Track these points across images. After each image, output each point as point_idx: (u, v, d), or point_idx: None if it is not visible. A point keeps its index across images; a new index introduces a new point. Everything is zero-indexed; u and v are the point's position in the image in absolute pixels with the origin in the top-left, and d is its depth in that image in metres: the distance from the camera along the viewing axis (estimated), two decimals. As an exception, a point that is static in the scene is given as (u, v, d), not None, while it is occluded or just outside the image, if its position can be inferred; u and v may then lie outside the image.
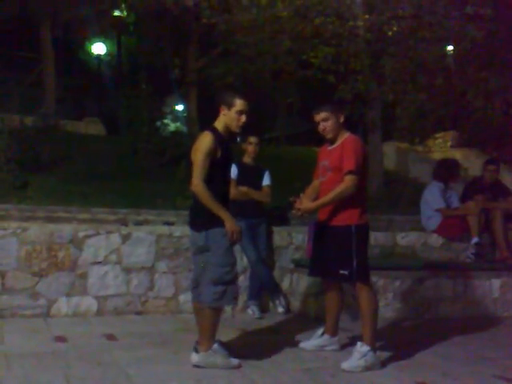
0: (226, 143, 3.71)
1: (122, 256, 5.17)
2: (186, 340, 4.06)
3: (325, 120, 3.92)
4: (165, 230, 5.39)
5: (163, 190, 7.26)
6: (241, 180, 5.31)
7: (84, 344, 4.08)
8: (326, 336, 4.17)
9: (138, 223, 5.88)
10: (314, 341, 4.19)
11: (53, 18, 14.90)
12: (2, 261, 4.83)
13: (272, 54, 10.45)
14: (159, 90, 13.89)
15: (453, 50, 10.02)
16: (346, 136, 3.95)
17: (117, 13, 16.94)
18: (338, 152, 3.90)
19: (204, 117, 17.47)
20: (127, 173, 8.26)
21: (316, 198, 4.01)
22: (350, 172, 3.79)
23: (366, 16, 8.79)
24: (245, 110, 3.71)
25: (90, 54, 19.50)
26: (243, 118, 3.71)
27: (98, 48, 18.30)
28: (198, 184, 3.56)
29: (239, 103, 3.70)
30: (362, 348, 3.76)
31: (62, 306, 4.97)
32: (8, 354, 3.74)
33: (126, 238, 5.20)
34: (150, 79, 10.69)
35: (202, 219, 3.64)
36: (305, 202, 3.90)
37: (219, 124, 3.76)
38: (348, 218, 3.85)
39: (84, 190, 7.15)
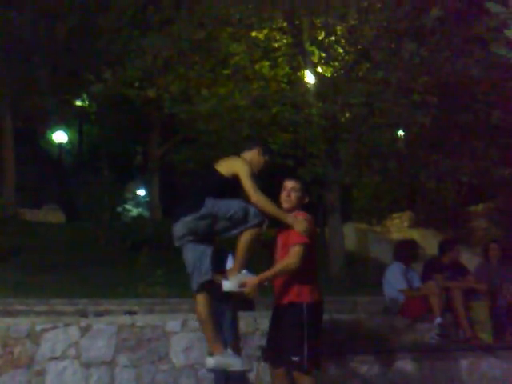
0: None
1: (81, 350, 4.96)
2: None
3: (294, 190, 3.98)
4: (126, 320, 5.24)
5: (125, 278, 7.15)
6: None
7: None
8: None
9: (99, 314, 5.72)
10: None
11: (14, 109, 15.04)
12: (-47, 360, 4.57)
13: (232, 140, 10.76)
14: (121, 176, 13.98)
15: (403, 135, 10.54)
16: (299, 213, 3.98)
17: (79, 102, 17.27)
18: (289, 228, 3.92)
19: (166, 201, 17.57)
20: (88, 261, 8.13)
21: None
22: (296, 244, 3.79)
23: (320, 104, 9.25)
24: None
25: (51, 142, 19.61)
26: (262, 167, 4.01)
27: (60, 136, 18.44)
28: (258, 197, 3.71)
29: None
30: None
31: (17, 406, 4.68)
32: None
33: (85, 331, 5.01)
34: (111, 166, 10.79)
35: None
36: (249, 279, 3.84)
37: (247, 156, 3.98)
38: (299, 295, 3.83)
39: (42, 281, 6.98)
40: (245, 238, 3.81)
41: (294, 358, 3.75)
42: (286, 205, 3.95)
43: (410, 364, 5.58)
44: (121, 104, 14.70)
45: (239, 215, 3.76)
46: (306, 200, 4.06)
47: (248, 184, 3.73)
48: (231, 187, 3.82)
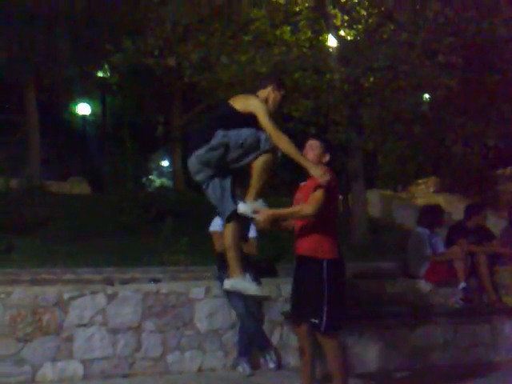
0: None
1: (108, 316, 5.08)
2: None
3: (312, 148, 4.00)
4: (152, 287, 5.33)
5: (149, 247, 7.24)
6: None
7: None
8: None
9: (124, 282, 5.81)
10: None
11: (37, 81, 15.14)
12: (-15, 327, 4.73)
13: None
14: (144, 147, 14.04)
15: (428, 98, 10.30)
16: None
17: (100, 74, 17.28)
18: (309, 185, 3.94)
19: (189, 171, 17.63)
20: (113, 231, 8.24)
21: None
22: (315, 189, 3.80)
23: (342, 69, 9.07)
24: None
25: (74, 114, 19.75)
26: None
27: (83, 108, 18.55)
28: (279, 136, 3.67)
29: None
30: None
31: (48, 371, 4.83)
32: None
33: (111, 298, 5.12)
34: (134, 137, 10.83)
35: None
36: (263, 212, 3.83)
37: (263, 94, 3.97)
38: (318, 250, 3.87)
39: (69, 251, 7.10)
40: (258, 164, 3.78)
41: (314, 320, 3.80)
42: None
43: (433, 328, 5.58)
44: (142, 74, 14.67)
45: (251, 141, 3.73)
46: (327, 158, 4.02)
47: (267, 123, 3.69)
48: (245, 122, 3.76)
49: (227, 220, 3.88)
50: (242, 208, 3.84)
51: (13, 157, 14.02)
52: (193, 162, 3.88)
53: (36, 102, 15.21)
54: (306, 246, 3.95)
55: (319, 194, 3.80)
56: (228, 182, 3.87)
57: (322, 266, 3.84)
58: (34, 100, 15.14)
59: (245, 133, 3.74)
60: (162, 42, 10.73)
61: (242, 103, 3.83)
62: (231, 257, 3.82)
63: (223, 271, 5.00)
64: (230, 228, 3.86)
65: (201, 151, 3.77)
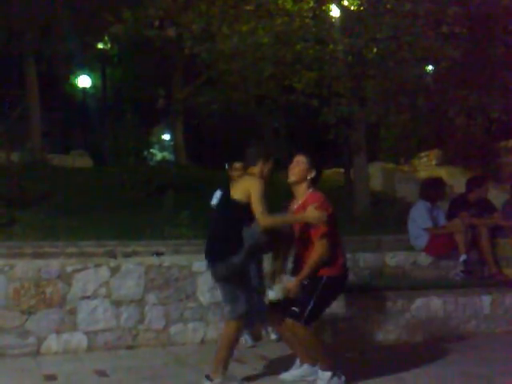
0: None
1: (111, 289, 5.13)
2: (178, 374, 4.02)
3: (298, 163, 4.04)
4: (154, 260, 5.36)
5: (151, 220, 7.26)
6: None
7: (75, 382, 4.03)
8: (306, 365, 4.10)
9: (127, 255, 5.85)
10: (293, 371, 4.13)
11: (36, 54, 14.99)
12: (-10, 299, 4.77)
13: (255, 80, 10.58)
14: (145, 120, 13.96)
15: (432, 70, 10.19)
16: (308, 192, 4.02)
17: (100, 45, 17.09)
18: (302, 210, 3.97)
19: (190, 144, 17.57)
20: (115, 204, 8.26)
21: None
22: (319, 238, 3.87)
23: (346, 40, 8.96)
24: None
25: (75, 86, 19.60)
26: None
27: (83, 81, 18.40)
28: (266, 221, 3.77)
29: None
30: (323, 375, 3.80)
31: (52, 343, 4.89)
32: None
33: (114, 271, 5.16)
34: (135, 110, 10.76)
35: None
36: (290, 283, 3.92)
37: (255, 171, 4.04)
38: (319, 270, 3.90)
39: (71, 224, 7.13)
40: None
41: (294, 308, 3.84)
42: (291, 177, 4.04)
43: (433, 300, 5.62)
44: (142, 46, 14.50)
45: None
46: (312, 174, 4.05)
47: (258, 208, 3.76)
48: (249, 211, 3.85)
49: (237, 319, 3.94)
50: (273, 296, 3.99)
51: (14, 131, 13.99)
52: (221, 269, 3.91)
53: (36, 75, 15.08)
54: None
55: (324, 239, 3.88)
56: (242, 286, 3.99)
57: (320, 280, 3.90)
58: (34, 73, 15.00)
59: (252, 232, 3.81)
60: (163, 12, 10.58)
61: (241, 191, 3.88)
62: (221, 358, 3.86)
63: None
64: (235, 328, 3.94)
65: (235, 260, 3.80)
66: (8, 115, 16.15)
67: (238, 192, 3.92)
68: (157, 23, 10.74)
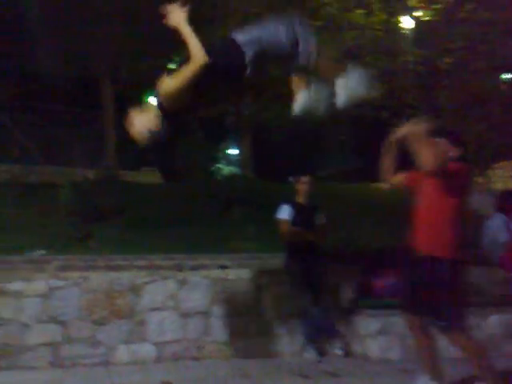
0: None
1: (179, 301, 5.20)
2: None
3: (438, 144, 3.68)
4: (220, 273, 5.40)
5: (218, 234, 7.32)
6: (295, 220, 5.33)
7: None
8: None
9: (194, 268, 5.91)
10: None
11: (112, 75, 15.64)
12: (64, 310, 4.96)
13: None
14: (213, 136, 14.20)
15: (509, 78, 9.77)
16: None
17: (171, 65, 17.62)
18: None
19: (258, 159, 17.72)
20: (183, 218, 8.40)
21: None
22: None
23: (417, 51, 8.78)
24: None
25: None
26: None
27: (154, 100, 18.97)
28: None
29: None
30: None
31: (122, 353, 5.02)
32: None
33: (182, 284, 5.24)
34: (203, 127, 10.97)
35: None
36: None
37: None
38: (444, 250, 3.62)
39: (141, 238, 7.30)
40: None
41: (440, 323, 3.64)
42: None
43: (507, 317, 5.32)
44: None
45: None
46: (455, 153, 3.73)
47: None
48: None
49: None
50: None
51: (89, 149, 14.60)
52: None
53: (112, 96, 15.73)
54: (428, 242, 3.68)
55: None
56: None
57: (446, 267, 3.60)
58: (109, 92, 15.67)
59: None
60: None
61: None
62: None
63: (292, 259, 5.02)
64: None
65: None
66: (84, 134, 16.91)
67: None
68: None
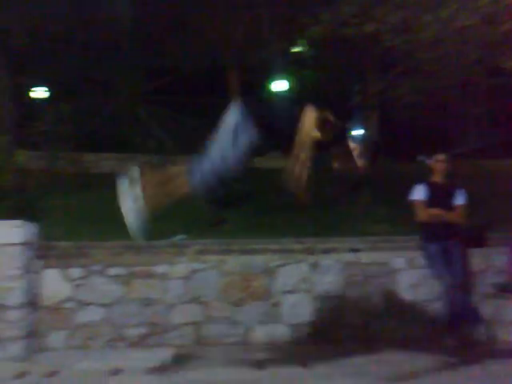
0: None
1: (312, 284, 5.24)
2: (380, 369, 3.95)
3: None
4: (352, 257, 5.35)
5: (348, 217, 7.26)
6: (431, 201, 5.10)
7: (282, 371, 4.21)
8: None
9: (325, 251, 5.91)
10: None
11: (239, 63, 16.02)
12: (204, 292, 5.22)
13: (458, 66, 9.93)
14: (339, 117, 14.00)
15: None
16: None
17: (296, 49, 17.59)
18: None
19: (385, 139, 17.17)
20: (312, 201, 8.41)
21: None
22: None
23: None
24: None
25: (272, 92, 20.44)
26: None
27: (279, 85, 19.12)
28: None
29: None
30: None
31: (258, 334, 5.18)
32: (211, 381, 3.99)
33: (314, 267, 5.27)
34: (329, 108, 10.82)
35: None
36: None
37: None
38: None
39: (273, 222, 7.46)
40: None
41: None
42: None
43: None
44: (337, 44, 14.54)
45: None
46: None
47: None
48: None
49: None
50: None
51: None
52: None
53: (238, 83, 16.13)
54: None
55: None
56: None
57: None
58: (236, 82, 16.08)
59: None
60: (358, 8, 10.50)
61: None
62: None
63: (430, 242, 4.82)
64: None
65: None
66: (211, 124, 17.54)
67: None
68: (356, 20, 10.65)
